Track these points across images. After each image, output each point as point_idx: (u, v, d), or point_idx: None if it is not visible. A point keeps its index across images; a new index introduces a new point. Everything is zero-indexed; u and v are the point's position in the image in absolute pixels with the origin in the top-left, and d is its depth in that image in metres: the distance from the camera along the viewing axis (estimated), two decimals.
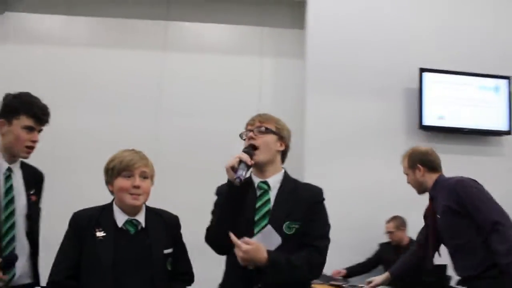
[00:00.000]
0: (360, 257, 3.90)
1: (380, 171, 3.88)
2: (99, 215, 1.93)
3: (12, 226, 2.10)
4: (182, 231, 2.04)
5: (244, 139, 1.97)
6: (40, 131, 2.18)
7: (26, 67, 4.19)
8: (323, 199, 1.98)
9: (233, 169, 1.80)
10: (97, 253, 1.85)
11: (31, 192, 2.20)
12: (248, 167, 1.84)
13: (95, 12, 4.35)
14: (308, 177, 3.81)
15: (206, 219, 1.94)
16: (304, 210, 1.90)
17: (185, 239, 2.03)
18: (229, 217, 1.83)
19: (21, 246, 2.12)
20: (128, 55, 4.34)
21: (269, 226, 1.84)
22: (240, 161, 1.81)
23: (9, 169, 2.15)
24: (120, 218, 1.93)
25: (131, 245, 1.89)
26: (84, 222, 1.90)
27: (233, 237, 1.77)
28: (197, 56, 4.39)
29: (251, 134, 1.95)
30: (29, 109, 2.11)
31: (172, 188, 4.11)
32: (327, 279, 3.40)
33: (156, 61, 4.34)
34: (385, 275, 2.92)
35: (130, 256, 1.87)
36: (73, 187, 3.90)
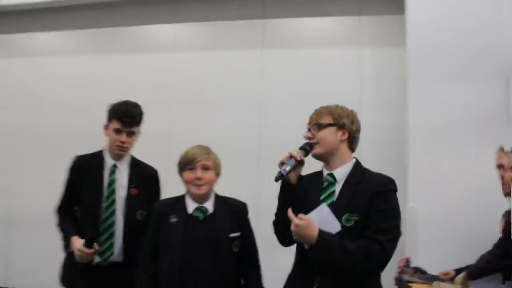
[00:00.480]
0: (470, 257, 3.63)
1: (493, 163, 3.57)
2: (174, 204, 2.22)
3: (113, 213, 2.51)
4: None
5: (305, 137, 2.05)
6: (129, 133, 2.54)
7: (141, 75, 4.59)
8: (391, 190, 1.90)
9: (283, 164, 1.90)
10: (169, 237, 2.13)
11: (132, 186, 2.57)
12: (299, 162, 1.93)
13: (197, 17, 4.58)
14: (412, 170, 3.67)
15: None
16: (366, 201, 1.85)
17: None
18: (282, 210, 1.93)
19: (119, 230, 2.52)
20: (227, 56, 4.51)
21: (324, 205, 1.86)
22: (290, 157, 1.90)
23: (114, 166, 2.58)
24: (191, 206, 2.20)
25: (199, 229, 2.15)
26: (162, 209, 2.21)
27: (289, 212, 1.85)
28: (295, 51, 4.42)
29: (308, 133, 2.03)
30: (116, 114, 2.53)
31: (275, 184, 4.18)
32: (432, 279, 3.21)
33: (255, 59, 4.45)
34: (462, 274, 2.89)
35: (198, 239, 2.12)
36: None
